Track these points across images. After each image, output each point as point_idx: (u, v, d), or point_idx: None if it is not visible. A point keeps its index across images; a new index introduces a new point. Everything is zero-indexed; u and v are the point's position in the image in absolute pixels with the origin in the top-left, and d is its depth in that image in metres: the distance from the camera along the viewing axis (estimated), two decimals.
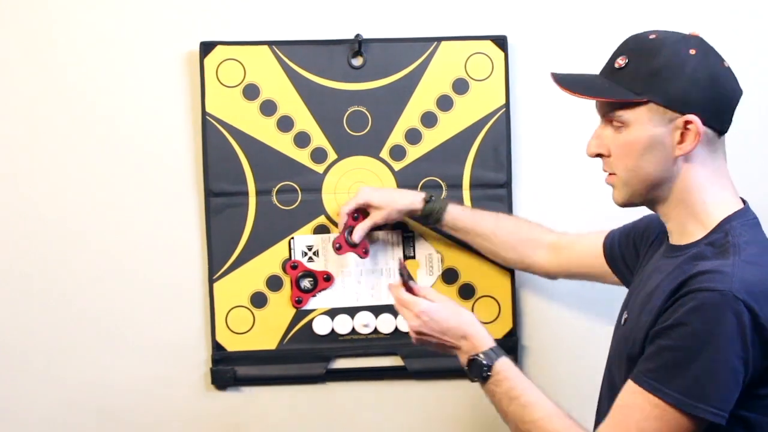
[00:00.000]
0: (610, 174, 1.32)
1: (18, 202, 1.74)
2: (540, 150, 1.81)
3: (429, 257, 1.79)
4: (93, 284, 1.76)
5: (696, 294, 1.17)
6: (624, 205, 1.33)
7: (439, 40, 1.76)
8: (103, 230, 1.75)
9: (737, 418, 1.20)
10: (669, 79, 1.24)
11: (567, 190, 1.80)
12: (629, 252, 1.53)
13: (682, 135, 1.25)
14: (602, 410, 1.37)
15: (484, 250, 1.73)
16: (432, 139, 1.78)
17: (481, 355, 1.34)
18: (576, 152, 1.78)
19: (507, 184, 1.79)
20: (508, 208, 1.79)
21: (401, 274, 1.45)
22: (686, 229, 1.30)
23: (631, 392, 1.21)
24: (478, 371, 1.33)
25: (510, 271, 1.80)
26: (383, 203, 1.68)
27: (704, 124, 1.25)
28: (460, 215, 1.69)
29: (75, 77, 1.73)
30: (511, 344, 1.81)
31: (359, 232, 1.69)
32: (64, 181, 1.74)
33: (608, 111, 1.29)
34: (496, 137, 1.78)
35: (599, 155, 1.32)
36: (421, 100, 1.77)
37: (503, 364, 1.33)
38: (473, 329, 1.37)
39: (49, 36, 1.72)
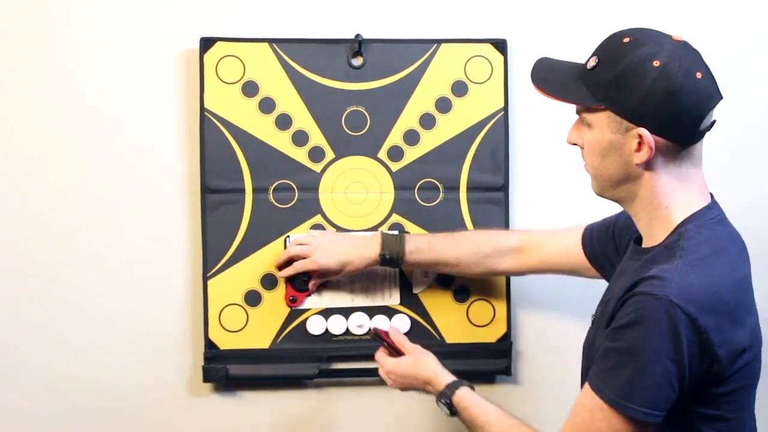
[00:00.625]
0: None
1: (15, 198, 1.73)
2: (538, 153, 1.81)
3: None
4: (86, 279, 1.74)
5: (637, 298, 1.21)
6: (599, 195, 1.36)
7: (439, 42, 1.77)
8: (98, 225, 1.74)
9: (706, 416, 1.26)
10: (627, 90, 1.24)
11: (564, 193, 1.80)
12: (609, 247, 1.54)
13: (639, 144, 1.25)
14: None
15: (453, 273, 1.74)
16: (430, 140, 1.78)
17: (442, 395, 1.46)
18: (573, 156, 1.79)
19: (504, 187, 1.79)
20: (505, 211, 1.79)
21: (378, 339, 1.59)
22: (651, 232, 1.31)
23: (584, 393, 1.26)
24: (445, 408, 1.45)
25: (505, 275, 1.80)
26: (338, 268, 1.68)
27: (660, 136, 1.24)
28: (418, 252, 1.66)
29: (74, 70, 1.72)
30: (505, 348, 1.81)
31: (313, 289, 1.74)
32: (60, 177, 1.73)
33: (578, 109, 1.33)
34: (495, 140, 1.78)
35: (575, 144, 1.35)
36: (420, 101, 1.77)
37: (460, 396, 1.43)
38: (430, 374, 1.50)
39: (48, 33, 1.72)
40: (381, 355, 1.58)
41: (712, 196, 1.33)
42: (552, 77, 1.35)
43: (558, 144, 1.78)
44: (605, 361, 1.23)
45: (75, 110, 1.73)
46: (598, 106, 1.27)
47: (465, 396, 1.43)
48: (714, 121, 1.28)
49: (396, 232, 1.72)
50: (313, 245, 1.69)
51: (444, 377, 1.48)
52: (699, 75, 1.24)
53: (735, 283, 1.26)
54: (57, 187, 1.73)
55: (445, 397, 1.44)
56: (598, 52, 1.30)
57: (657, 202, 1.29)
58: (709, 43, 1.81)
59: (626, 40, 1.27)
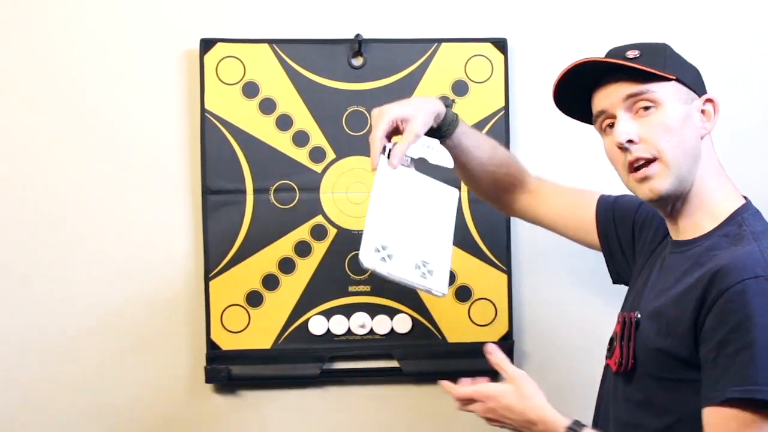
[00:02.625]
0: (647, 163, 1.25)
1: (16, 199, 1.73)
2: (539, 152, 1.81)
3: None
4: (87, 280, 1.75)
5: (737, 287, 1.15)
6: (669, 195, 1.26)
7: (440, 41, 1.77)
8: (100, 226, 1.75)
9: None
10: (682, 65, 1.28)
11: None
12: (625, 231, 1.49)
13: (704, 113, 1.28)
14: (602, 410, 1.38)
15: (470, 171, 1.54)
16: None
17: None
18: (574, 154, 1.80)
19: None
20: None
21: None
22: (696, 222, 1.29)
23: (714, 414, 1.15)
24: None
25: (506, 274, 1.80)
26: (414, 112, 1.38)
27: None
28: (466, 133, 1.48)
29: (74, 71, 1.73)
30: (507, 347, 1.80)
31: (399, 152, 1.36)
32: (61, 178, 1.74)
33: (636, 89, 1.25)
34: (495, 139, 1.77)
35: (631, 142, 1.25)
36: None
37: None
38: (540, 415, 1.28)
39: (49, 35, 1.72)
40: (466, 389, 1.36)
41: None
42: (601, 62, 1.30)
43: (559, 142, 1.80)
44: (734, 366, 1.14)
45: (76, 111, 1.73)
46: (670, 75, 1.25)
47: None
48: None
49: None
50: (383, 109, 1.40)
51: (559, 420, 1.26)
52: None
53: None
54: (58, 189, 1.74)
55: None
56: (633, 47, 1.29)
57: (710, 186, 1.28)
58: (710, 44, 1.82)
59: (634, 50, 1.30)
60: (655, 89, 1.25)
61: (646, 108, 1.25)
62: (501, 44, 1.77)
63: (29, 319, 1.74)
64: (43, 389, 1.75)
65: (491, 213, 1.78)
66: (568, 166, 1.76)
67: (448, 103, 1.46)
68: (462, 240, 1.79)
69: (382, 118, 1.37)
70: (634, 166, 1.26)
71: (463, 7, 1.78)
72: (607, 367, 1.39)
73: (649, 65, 1.25)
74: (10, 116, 1.73)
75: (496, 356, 1.37)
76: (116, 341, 1.75)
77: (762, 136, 1.85)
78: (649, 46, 1.30)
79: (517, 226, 1.81)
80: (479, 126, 1.77)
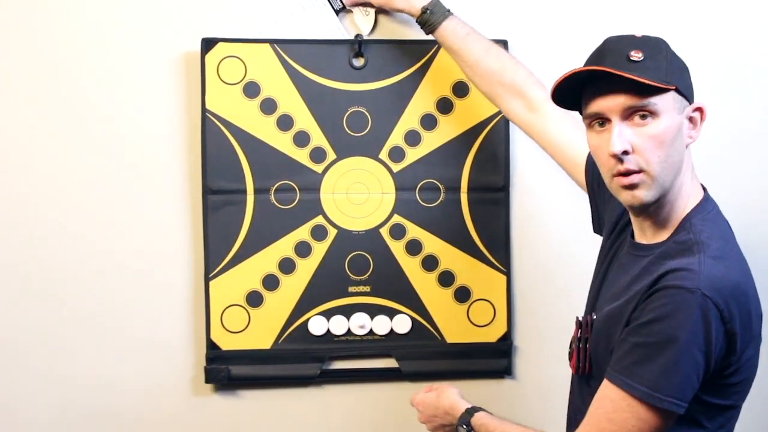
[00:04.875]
0: (634, 173, 1.26)
1: (17, 200, 1.72)
2: (538, 154, 1.80)
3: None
4: (87, 280, 1.74)
5: (665, 291, 1.21)
6: (650, 204, 1.28)
7: None
8: (100, 226, 1.74)
9: (712, 405, 1.27)
10: (680, 68, 1.28)
11: (564, 194, 1.81)
12: (600, 195, 1.52)
13: (691, 120, 1.29)
14: (570, 414, 1.47)
15: (464, 71, 1.70)
16: (431, 141, 1.78)
17: (462, 418, 1.45)
18: None
19: (505, 188, 1.80)
20: (506, 212, 1.80)
21: None
22: (657, 226, 1.31)
23: (604, 387, 1.26)
24: (464, 430, 1.45)
25: (506, 275, 1.81)
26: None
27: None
28: (452, 34, 1.66)
29: (75, 71, 1.72)
30: (505, 348, 1.81)
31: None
32: (62, 178, 1.73)
33: (637, 102, 1.25)
34: (495, 141, 1.79)
35: (625, 152, 1.25)
36: (421, 102, 1.77)
37: (479, 416, 1.43)
38: (451, 401, 1.50)
39: (49, 35, 1.71)
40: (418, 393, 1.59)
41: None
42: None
43: None
44: (632, 356, 1.23)
45: (76, 111, 1.73)
46: (670, 86, 1.25)
47: (483, 415, 1.43)
48: None
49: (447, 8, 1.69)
50: None
51: (464, 404, 1.48)
52: None
53: (748, 274, 1.28)
54: (59, 189, 1.73)
55: (465, 419, 1.45)
56: (637, 46, 1.27)
57: (685, 193, 1.30)
58: (710, 44, 1.83)
59: (638, 35, 1.29)
60: (656, 102, 1.25)
61: (644, 117, 1.25)
62: (502, 45, 1.77)
63: (29, 319, 1.73)
64: (42, 389, 1.74)
65: (490, 213, 1.80)
66: None
67: (425, 9, 1.66)
68: (461, 241, 1.80)
69: None
70: (622, 173, 1.27)
71: (464, 8, 1.78)
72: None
73: (653, 71, 1.24)
74: (11, 116, 1.72)
75: (421, 395, 1.57)
76: (116, 341, 1.75)
77: (762, 136, 1.86)
78: (651, 44, 1.28)
79: (517, 226, 1.81)
80: (479, 127, 1.78)
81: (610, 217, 1.47)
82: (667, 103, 1.25)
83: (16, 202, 1.72)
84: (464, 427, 1.45)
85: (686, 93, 1.28)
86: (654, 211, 1.31)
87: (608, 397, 1.24)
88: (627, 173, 1.26)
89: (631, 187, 1.27)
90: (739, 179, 1.85)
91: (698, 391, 1.24)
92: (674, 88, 1.25)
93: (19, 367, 1.74)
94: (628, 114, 1.26)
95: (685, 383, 1.21)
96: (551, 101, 1.36)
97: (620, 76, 1.24)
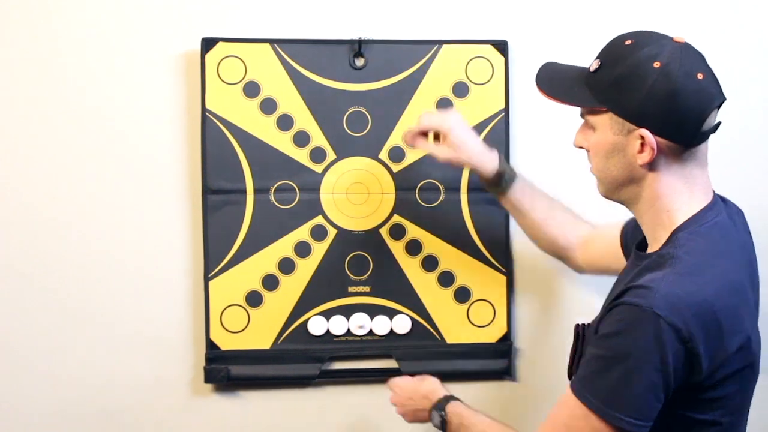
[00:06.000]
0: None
1: (16, 199, 1.72)
2: (538, 154, 1.82)
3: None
4: (87, 280, 1.74)
5: (622, 308, 1.22)
6: (605, 197, 1.36)
7: (441, 43, 1.77)
8: (100, 226, 1.74)
9: (698, 421, 1.26)
10: (628, 91, 1.25)
11: (564, 194, 1.80)
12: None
13: (642, 145, 1.26)
14: None
15: (528, 232, 1.69)
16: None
17: (437, 404, 1.49)
18: (574, 157, 1.79)
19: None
20: (506, 212, 1.78)
21: None
22: (655, 235, 1.32)
23: (566, 394, 1.27)
24: (437, 417, 1.48)
25: (506, 276, 1.81)
26: (456, 145, 1.59)
27: (662, 137, 1.25)
28: (522, 196, 1.64)
29: (75, 71, 1.72)
30: (505, 348, 1.81)
31: (419, 144, 1.64)
32: (61, 177, 1.73)
33: (582, 112, 1.34)
34: (495, 141, 1.78)
35: (581, 148, 1.36)
36: (422, 102, 1.77)
37: (455, 406, 1.47)
38: (430, 388, 1.53)
39: (49, 34, 1.71)
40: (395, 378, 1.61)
41: (714, 193, 1.33)
42: (556, 81, 1.36)
43: (558, 145, 1.80)
44: (589, 367, 1.24)
45: (76, 111, 1.73)
46: (600, 108, 1.28)
47: (459, 404, 1.47)
48: (719, 123, 1.28)
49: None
50: (452, 132, 1.60)
51: (443, 392, 1.52)
52: (700, 76, 1.24)
53: (729, 290, 1.24)
54: (58, 189, 1.73)
55: (441, 405, 1.48)
56: (600, 55, 1.31)
57: (660, 204, 1.29)
58: (712, 44, 1.83)
59: (628, 42, 1.28)
60: (589, 118, 1.32)
61: (590, 127, 1.32)
62: (501, 46, 1.78)
63: (27, 318, 1.73)
64: (41, 388, 1.74)
65: (490, 214, 1.80)
66: (568, 168, 1.77)
67: (501, 172, 1.61)
68: (461, 241, 1.80)
69: (442, 119, 1.62)
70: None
71: (464, 9, 1.79)
72: None
73: (595, 86, 1.29)
74: (10, 116, 1.72)
75: (400, 378, 1.59)
76: (115, 340, 1.75)
77: (762, 136, 1.86)
78: (613, 58, 1.28)
79: (517, 227, 1.81)
80: (479, 127, 1.78)
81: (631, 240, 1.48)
82: (601, 121, 1.30)
83: (16, 202, 1.72)
84: (438, 412, 1.47)
85: (629, 117, 1.25)
86: (639, 217, 1.34)
87: (567, 404, 1.25)
88: None
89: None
90: (740, 180, 1.84)
91: (679, 406, 1.24)
92: (605, 110, 1.28)
93: (18, 367, 1.74)
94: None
95: (642, 402, 1.20)
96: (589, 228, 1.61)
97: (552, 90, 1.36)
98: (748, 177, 1.86)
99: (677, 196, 1.29)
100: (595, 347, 1.25)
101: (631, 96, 1.24)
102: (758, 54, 1.86)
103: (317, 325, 1.77)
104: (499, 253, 1.80)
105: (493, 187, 1.64)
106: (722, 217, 1.31)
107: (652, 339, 1.18)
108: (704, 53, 1.87)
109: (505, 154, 1.79)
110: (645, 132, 1.24)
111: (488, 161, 1.61)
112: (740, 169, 1.85)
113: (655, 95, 1.23)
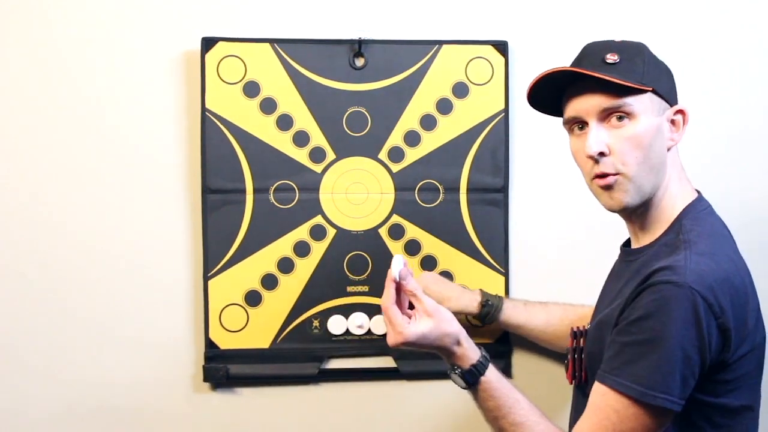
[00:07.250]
0: (610, 175, 1.29)
1: (16, 199, 1.73)
2: (538, 155, 1.82)
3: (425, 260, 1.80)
4: (87, 279, 1.74)
5: (653, 288, 1.21)
6: (626, 207, 1.30)
7: (441, 43, 1.77)
8: (99, 225, 1.74)
9: (702, 403, 1.25)
10: (659, 73, 1.29)
11: (564, 195, 1.81)
12: None
13: (673, 123, 1.29)
14: (570, 423, 1.44)
15: (537, 340, 1.71)
16: (431, 141, 1.78)
17: (478, 364, 1.36)
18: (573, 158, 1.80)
19: (504, 189, 1.80)
20: (505, 213, 1.80)
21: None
22: (650, 228, 1.32)
23: (600, 393, 1.24)
24: (465, 378, 1.36)
25: (504, 276, 1.81)
26: (438, 299, 1.50)
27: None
28: (513, 314, 1.67)
29: (75, 70, 1.72)
30: (503, 349, 1.81)
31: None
32: (60, 177, 1.73)
33: (612, 103, 1.27)
34: (495, 142, 1.79)
35: (602, 154, 1.28)
36: (421, 102, 1.77)
37: (491, 380, 1.35)
38: (457, 330, 1.37)
39: (49, 34, 1.71)
40: (397, 315, 1.36)
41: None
42: (587, 66, 1.31)
43: (558, 146, 1.80)
44: (621, 356, 1.22)
45: (76, 110, 1.73)
46: (646, 87, 1.26)
47: (497, 379, 1.35)
48: None
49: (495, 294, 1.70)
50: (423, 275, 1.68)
51: (474, 347, 1.38)
52: None
53: (738, 270, 1.27)
54: (58, 188, 1.73)
55: (469, 378, 1.34)
56: (612, 49, 1.30)
57: (672, 195, 1.31)
58: (712, 44, 1.83)
59: (618, 40, 1.32)
60: (632, 102, 1.27)
61: (620, 118, 1.27)
62: (501, 47, 1.78)
63: (27, 318, 1.74)
64: (41, 387, 1.75)
65: (489, 214, 1.80)
66: (567, 169, 1.76)
67: (484, 303, 1.65)
68: (460, 241, 1.80)
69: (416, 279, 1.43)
70: (599, 175, 1.30)
71: (464, 9, 1.79)
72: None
73: (628, 73, 1.27)
74: (10, 115, 1.72)
75: (410, 284, 1.37)
76: (115, 340, 1.75)
77: (762, 136, 1.86)
78: (628, 48, 1.30)
79: (516, 227, 1.81)
80: (479, 127, 1.78)
81: None
82: (643, 104, 1.27)
83: (15, 202, 1.72)
84: (467, 382, 1.34)
85: (666, 95, 1.29)
86: (641, 213, 1.33)
87: (609, 405, 1.22)
88: (603, 175, 1.29)
89: (608, 188, 1.29)
90: (739, 180, 1.85)
91: (696, 391, 1.23)
92: (651, 89, 1.27)
93: (18, 367, 1.74)
94: (604, 116, 1.29)
95: (681, 380, 1.19)
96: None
97: (595, 78, 1.26)
98: (748, 177, 1.86)
99: (678, 185, 1.32)
100: (626, 335, 1.22)
101: (663, 77, 1.29)
102: (758, 54, 1.85)
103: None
104: (497, 254, 1.81)
105: (485, 318, 1.67)
106: (711, 207, 1.35)
107: (690, 314, 1.18)
108: (704, 53, 1.88)
109: (504, 154, 1.79)
110: (684, 106, 1.28)
111: (468, 300, 1.66)
112: (740, 169, 1.85)
113: (671, 77, 1.32)
